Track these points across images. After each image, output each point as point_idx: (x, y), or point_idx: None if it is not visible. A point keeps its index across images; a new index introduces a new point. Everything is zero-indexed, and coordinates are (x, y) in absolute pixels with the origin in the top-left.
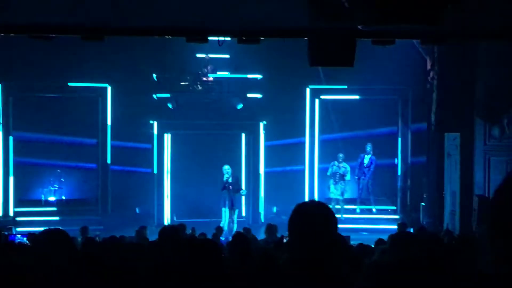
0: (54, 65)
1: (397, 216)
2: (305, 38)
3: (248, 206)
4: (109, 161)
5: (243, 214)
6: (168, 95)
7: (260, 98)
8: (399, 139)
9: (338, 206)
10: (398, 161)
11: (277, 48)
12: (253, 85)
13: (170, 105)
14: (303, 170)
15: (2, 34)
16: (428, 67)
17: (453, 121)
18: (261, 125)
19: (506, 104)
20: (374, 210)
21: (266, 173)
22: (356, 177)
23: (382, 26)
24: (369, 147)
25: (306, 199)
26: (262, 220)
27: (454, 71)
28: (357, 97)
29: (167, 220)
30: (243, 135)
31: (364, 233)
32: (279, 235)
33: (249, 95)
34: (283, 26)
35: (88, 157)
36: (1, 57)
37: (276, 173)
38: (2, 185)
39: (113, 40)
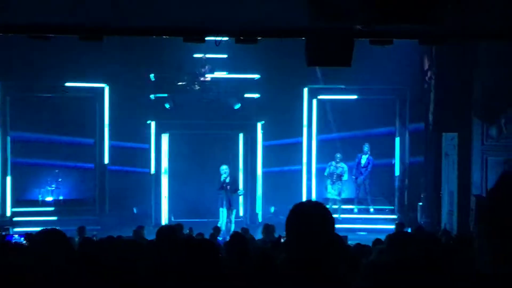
0: (52, 65)
1: (394, 216)
2: (303, 38)
3: (246, 206)
4: (106, 161)
5: (241, 214)
6: (165, 95)
7: (258, 98)
8: (397, 139)
9: (335, 206)
10: (395, 162)
11: (275, 48)
12: (251, 85)
13: (167, 105)
14: (301, 170)
15: (1, 34)
16: (426, 67)
17: (451, 121)
18: (259, 125)
19: (504, 104)
20: (371, 210)
21: (263, 173)
22: (353, 177)
23: (382, 26)
24: (366, 147)
25: (304, 199)
26: (260, 220)
27: (452, 71)
28: (355, 97)
29: (164, 220)
30: (241, 135)
31: (361, 233)
32: (276, 235)
33: (246, 95)
34: (281, 26)
35: (85, 157)
36: None
37: (273, 173)
38: None
39: (110, 40)
